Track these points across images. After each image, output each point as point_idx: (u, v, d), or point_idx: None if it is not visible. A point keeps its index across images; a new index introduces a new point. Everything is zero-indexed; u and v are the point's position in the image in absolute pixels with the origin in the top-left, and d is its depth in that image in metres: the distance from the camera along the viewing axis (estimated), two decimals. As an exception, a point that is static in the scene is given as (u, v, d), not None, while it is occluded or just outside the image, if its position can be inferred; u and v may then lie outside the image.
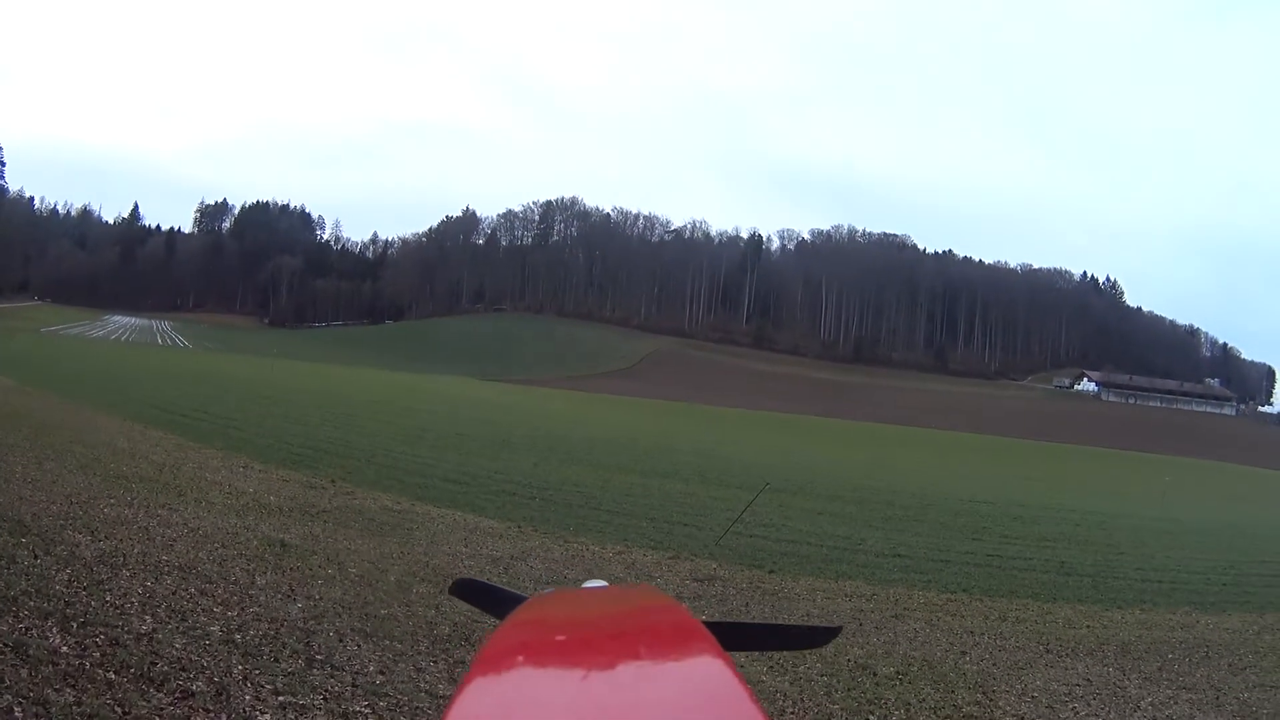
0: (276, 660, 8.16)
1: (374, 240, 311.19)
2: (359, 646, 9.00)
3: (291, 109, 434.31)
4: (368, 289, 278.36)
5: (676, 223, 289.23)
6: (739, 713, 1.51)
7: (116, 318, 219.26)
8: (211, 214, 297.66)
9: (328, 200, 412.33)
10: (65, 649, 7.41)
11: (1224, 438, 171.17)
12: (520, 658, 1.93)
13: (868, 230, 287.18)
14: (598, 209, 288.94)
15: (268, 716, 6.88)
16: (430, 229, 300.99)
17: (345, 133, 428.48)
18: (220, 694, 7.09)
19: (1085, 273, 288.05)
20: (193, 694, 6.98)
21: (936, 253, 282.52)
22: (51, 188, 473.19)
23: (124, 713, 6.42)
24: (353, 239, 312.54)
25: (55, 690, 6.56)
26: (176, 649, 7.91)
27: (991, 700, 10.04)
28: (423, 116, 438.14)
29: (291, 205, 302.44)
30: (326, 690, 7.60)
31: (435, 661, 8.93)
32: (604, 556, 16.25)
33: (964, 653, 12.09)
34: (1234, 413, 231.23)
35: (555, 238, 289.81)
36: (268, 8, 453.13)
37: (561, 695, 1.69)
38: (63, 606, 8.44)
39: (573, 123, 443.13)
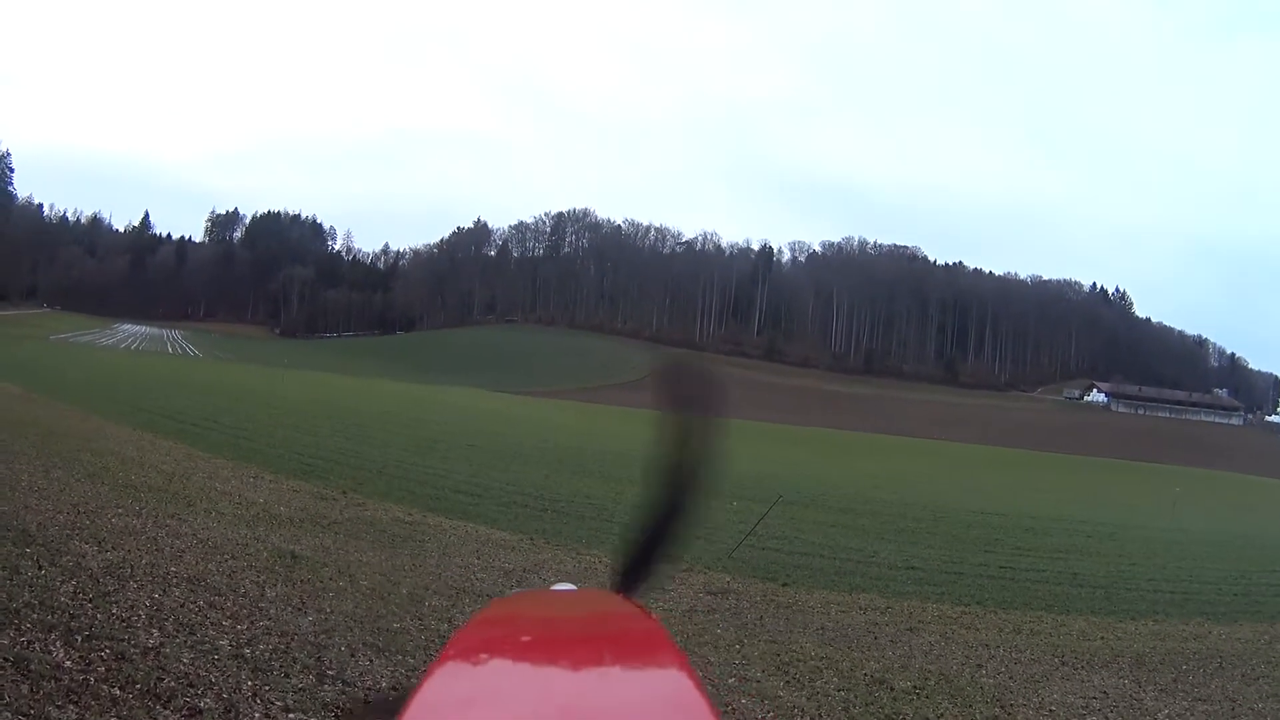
0: (287, 675, 7.99)
1: (385, 251, 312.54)
2: (371, 661, 8.84)
3: (304, 118, 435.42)
4: (379, 300, 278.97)
5: (687, 234, 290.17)
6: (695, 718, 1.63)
7: (126, 326, 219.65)
8: (223, 223, 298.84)
9: (339, 210, 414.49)
10: (69, 664, 7.23)
11: (1232, 448, 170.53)
12: (483, 656, 1.98)
13: (878, 242, 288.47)
14: (609, 221, 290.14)
15: (278, 734, 6.69)
16: (441, 240, 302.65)
17: (357, 142, 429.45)
18: (229, 711, 6.93)
19: (1095, 284, 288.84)
20: (201, 711, 6.82)
21: (946, 264, 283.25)
22: (61, 195, 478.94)
23: (129, 730, 6.23)
24: (364, 249, 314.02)
25: (58, 707, 6.38)
26: (184, 664, 7.74)
27: (1009, 715, 9.93)
28: (434, 126, 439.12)
29: (303, 215, 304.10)
30: (338, 707, 7.42)
31: (449, 677, 8.65)
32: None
33: (980, 666, 11.98)
34: (1241, 422, 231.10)
35: (566, 249, 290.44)
36: (279, 16, 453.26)
37: (522, 695, 1.78)
38: (67, 619, 8.24)
39: (584, 134, 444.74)
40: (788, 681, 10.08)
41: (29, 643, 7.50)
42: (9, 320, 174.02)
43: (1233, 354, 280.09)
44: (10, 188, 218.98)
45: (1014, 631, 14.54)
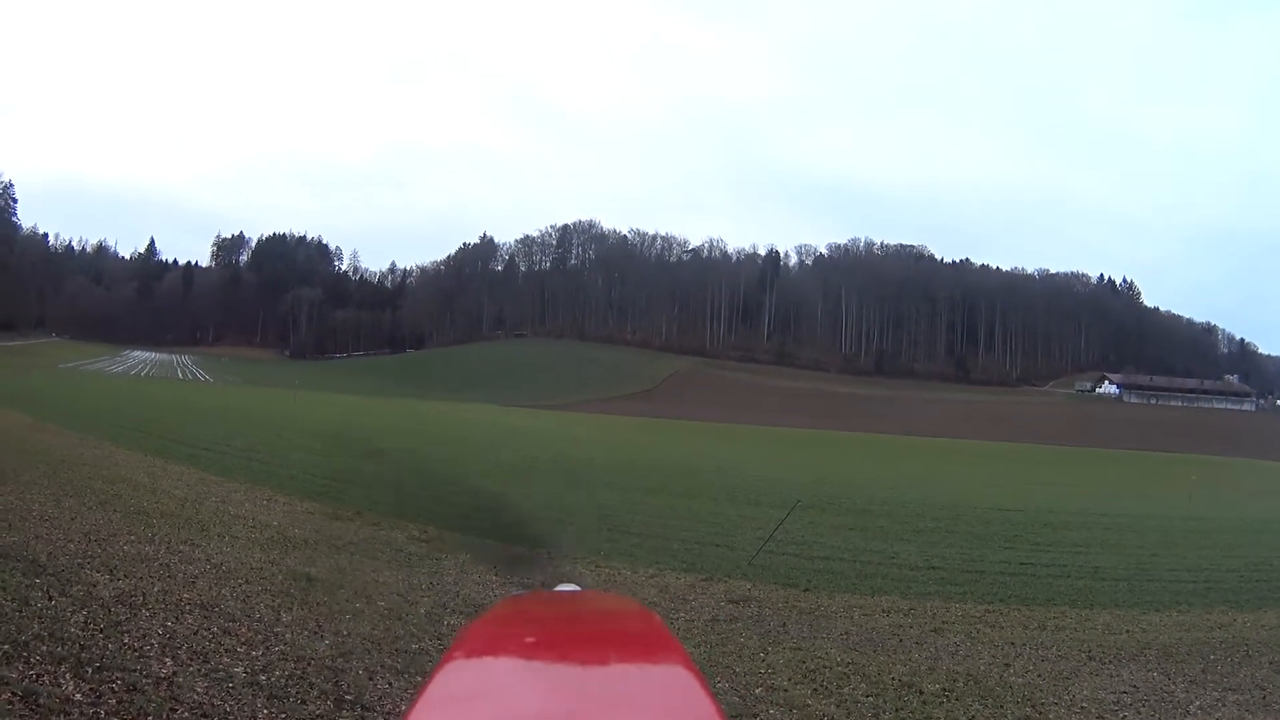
0: (303, 702, 7.83)
1: (392, 269, 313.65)
2: (390, 684, 8.66)
3: (307, 140, 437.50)
4: (387, 318, 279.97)
5: (694, 242, 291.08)
6: (700, 718, 1.71)
7: (135, 353, 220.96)
8: (229, 247, 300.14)
9: (345, 230, 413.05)
10: (79, 696, 7.07)
11: (1246, 433, 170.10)
12: (489, 654, 2.12)
13: (884, 242, 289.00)
14: (615, 231, 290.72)
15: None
16: (448, 257, 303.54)
17: (360, 162, 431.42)
18: (245, 741, 6.73)
19: (1102, 275, 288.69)
20: (216, 742, 6.62)
21: (954, 262, 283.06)
22: (66, 224, 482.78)
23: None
24: (371, 269, 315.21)
25: (67, 742, 6.20)
26: (198, 693, 7.58)
27: (1041, 714, 9.75)
28: (437, 143, 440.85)
29: (309, 236, 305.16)
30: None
31: (471, 698, 8.48)
32: (636, 581, 15.91)
33: (1007, 665, 11.80)
34: (1254, 408, 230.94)
35: (573, 262, 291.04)
36: (279, 38, 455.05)
37: (527, 692, 1.87)
38: (77, 651, 8.07)
39: (587, 146, 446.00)
40: (815, 689, 9.92)
41: (38, 676, 7.34)
42: (18, 350, 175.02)
43: (1242, 340, 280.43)
44: (14, 218, 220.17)
45: (1039, 628, 14.38)
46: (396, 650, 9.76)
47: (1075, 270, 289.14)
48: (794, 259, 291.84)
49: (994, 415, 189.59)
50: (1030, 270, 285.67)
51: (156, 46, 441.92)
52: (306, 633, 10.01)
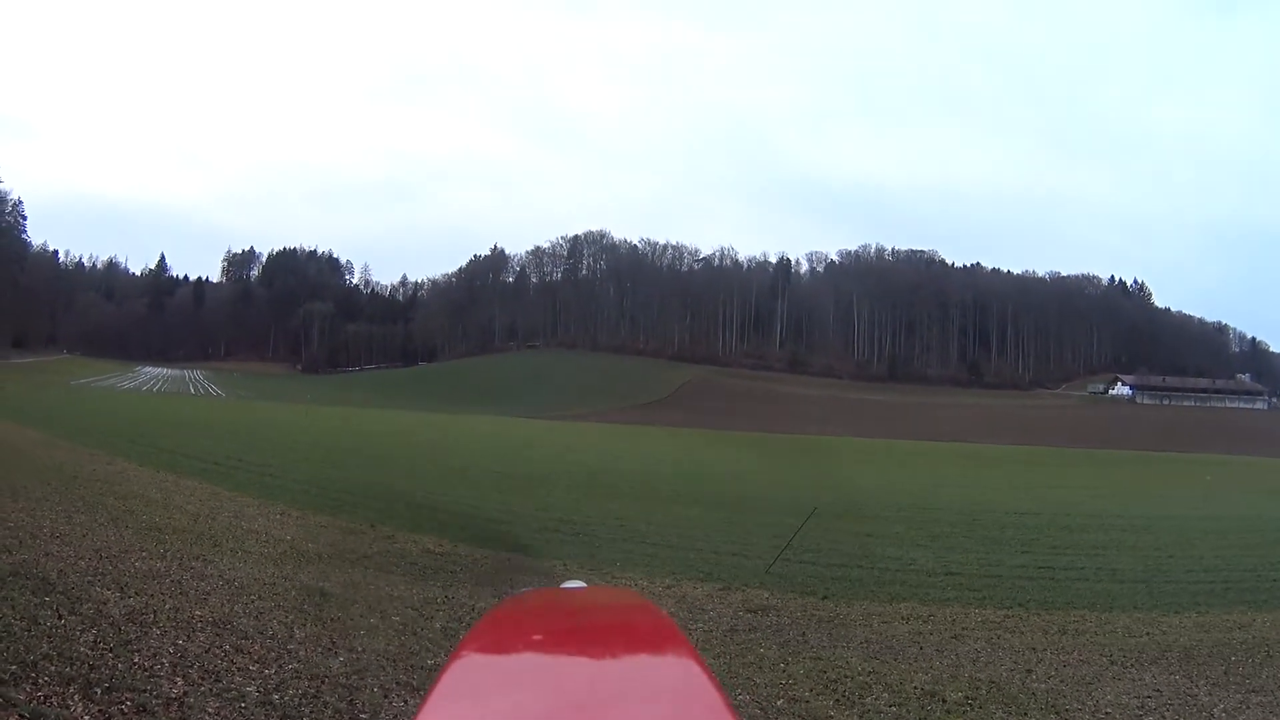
0: (318, 722, 7.65)
1: (403, 282, 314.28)
2: (405, 702, 8.52)
3: (316, 154, 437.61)
4: (399, 331, 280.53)
5: (705, 251, 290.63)
6: (712, 713, 1.72)
7: (147, 369, 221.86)
8: (239, 262, 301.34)
9: (356, 244, 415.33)
10: (87, 718, 6.94)
11: (1259, 432, 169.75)
12: (498, 651, 2.16)
13: (895, 248, 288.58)
14: (625, 241, 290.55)
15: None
16: (460, 269, 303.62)
17: (370, 176, 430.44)
18: (257, 762, 6.60)
19: (1113, 277, 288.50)
20: (227, 764, 6.49)
21: (965, 266, 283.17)
22: (76, 241, 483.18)
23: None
24: (382, 282, 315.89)
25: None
26: (209, 714, 7.47)
27: (1066, 720, 9.53)
28: (446, 156, 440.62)
29: (319, 250, 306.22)
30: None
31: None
32: (654, 591, 15.79)
33: (1029, 671, 11.67)
34: (1266, 406, 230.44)
35: (584, 272, 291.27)
36: (287, 53, 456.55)
37: (536, 687, 1.87)
38: (86, 671, 7.96)
39: (596, 155, 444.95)
40: (837, 700, 9.78)
41: (45, 697, 7.24)
42: (30, 367, 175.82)
43: (1254, 338, 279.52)
44: (24, 236, 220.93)
45: (1059, 633, 14.27)
46: (412, 667, 9.64)
47: (1086, 272, 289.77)
48: (805, 266, 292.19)
49: (1007, 418, 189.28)
50: (1041, 273, 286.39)
51: (163, 62, 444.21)
52: (320, 650, 9.89)
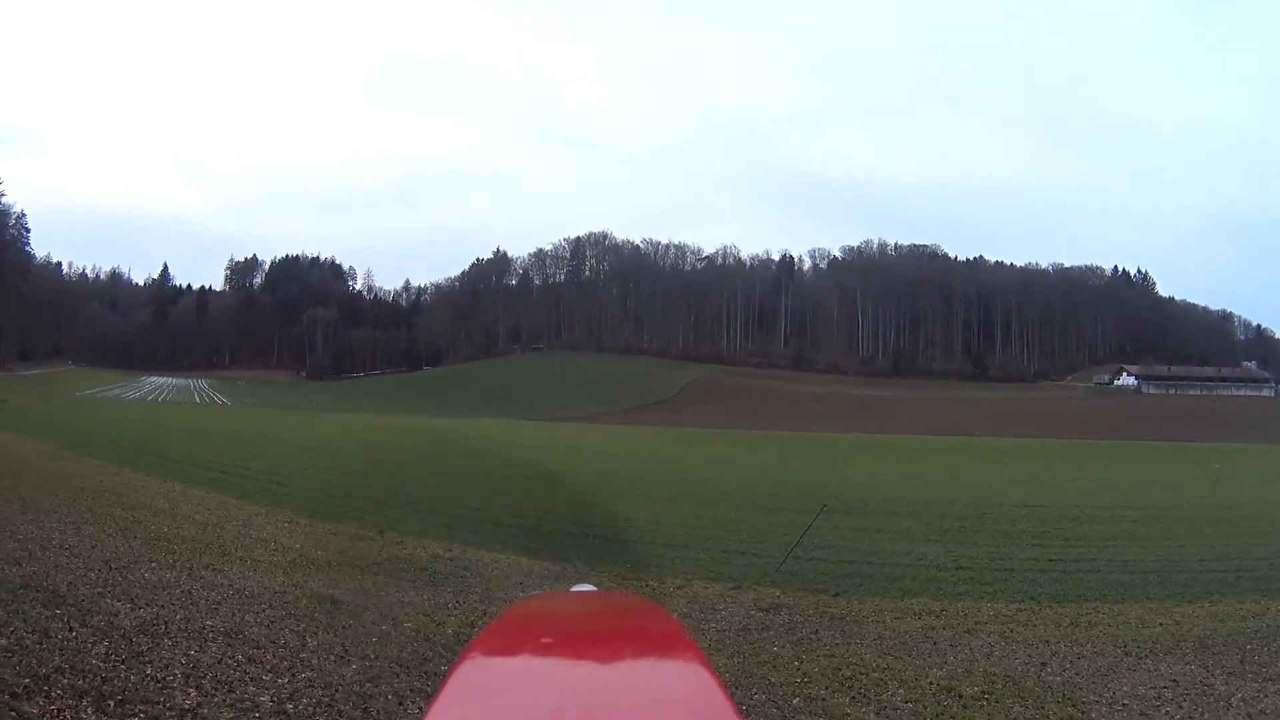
0: (332, 731, 7.62)
1: (407, 287, 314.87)
2: (420, 708, 8.31)
3: (317, 160, 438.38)
4: (404, 336, 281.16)
5: (707, 250, 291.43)
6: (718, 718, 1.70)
7: (152, 378, 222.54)
8: (242, 270, 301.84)
9: (358, 250, 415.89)
10: (101, 732, 6.88)
11: (1266, 419, 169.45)
12: (505, 655, 2.16)
13: (898, 243, 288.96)
14: (628, 241, 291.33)
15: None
16: (462, 273, 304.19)
17: (372, 182, 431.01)
18: (273, 773, 6.57)
19: (1116, 267, 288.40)
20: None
21: (968, 259, 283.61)
22: (80, 252, 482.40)
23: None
24: (385, 287, 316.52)
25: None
26: (223, 725, 7.37)
27: (1083, 713, 9.60)
28: (447, 160, 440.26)
29: (322, 257, 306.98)
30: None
31: (503, 719, 8.30)
32: (664, 592, 15.75)
33: (1044, 664, 11.63)
34: (1273, 393, 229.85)
35: (587, 273, 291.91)
36: (285, 61, 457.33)
37: (544, 692, 1.86)
38: (99, 683, 7.91)
39: (597, 157, 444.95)
40: (853, 697, 9.75)
41: (58, 710, 7.20)
42: (36, 379, 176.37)
43: (1259, 325, 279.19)
44: (28, 248, 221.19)
45: (1072, 625, 14.23)
46: (426, 673, 9.60)
47: (1089, 263, 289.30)
48: (808, 263, 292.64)
49: (1013, 411, 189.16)
50: (1044, 265, 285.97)
51: (162, 71, 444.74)
52: (333, 658, 9.86)
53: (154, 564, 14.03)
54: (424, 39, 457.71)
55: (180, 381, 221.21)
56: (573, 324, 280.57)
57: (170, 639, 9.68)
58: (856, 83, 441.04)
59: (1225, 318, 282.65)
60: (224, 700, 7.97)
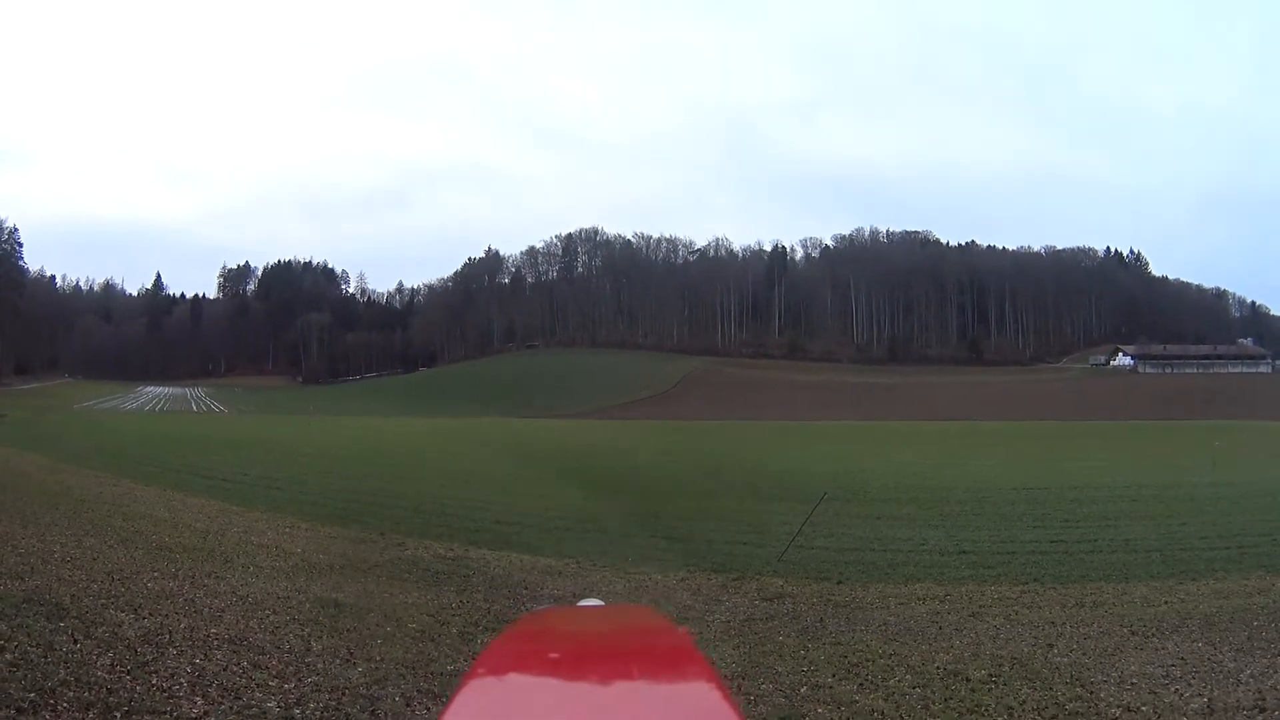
0: (341, 734, 7.61)
1: (400, 289, 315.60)
2: (428, 709, 8.45)
3: (306, 165, 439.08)
4: (398, 338, 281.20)
5: (699, 243, 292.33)
6: None
7: (149, 388, 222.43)
8: (235, 277, 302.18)
9: (350, 253, 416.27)
10: (109, 743, 6.86)
11: (1263, 396, 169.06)
12: (512, 674, 2.07)
13: (890, 229, 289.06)
14: (619, 236, 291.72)
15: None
16: (455, 272, 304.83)
17: (362, 185, 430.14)
18: (282, 779, 6.56)
19: (1109, 248, 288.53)
20: (252, 782, 6.44)
21: (960, 245, 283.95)
22: (72, 265, 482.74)
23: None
24: (378, 290, 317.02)
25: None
26: (231, 732, 7.36)
27: (1092, 693, 9.52)
28: (437, 160, 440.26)
29: (314, 262, 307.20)
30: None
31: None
32: (668, 585, 15.80)
33: (1050, 645, 11.62)
34: (1269, 369, 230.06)
35: (580, 269, 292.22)
36: (271, 69, 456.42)
37: (551, 708, 1.84)
38: (105, 695, 7.88)
39: (586, 153, 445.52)
40: (861, 684, 9.72)
41: (66, 724, 7.14)
42: (32, 393, 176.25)
43: (1253, 302, 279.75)
44: (21, 262, 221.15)
45: (1077, 605, 14.27)
46: (431, 674, 9.57)
47: (1082, 245, 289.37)
48: (800, 253, 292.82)
49: (1010, 395, 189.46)
50: (1037, 248, 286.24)
51: (148, 80, 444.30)
52: (338, 661, 9.83)
53: (156, 573, 13.98)
54: (408, 40, 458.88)
55: (177, 390, 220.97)
56: (567, 321, 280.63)
57: (175, 648, 9.64)
58: (843, 70, 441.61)
59: (1219, 295, 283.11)
60: (231, 708, 7.95)
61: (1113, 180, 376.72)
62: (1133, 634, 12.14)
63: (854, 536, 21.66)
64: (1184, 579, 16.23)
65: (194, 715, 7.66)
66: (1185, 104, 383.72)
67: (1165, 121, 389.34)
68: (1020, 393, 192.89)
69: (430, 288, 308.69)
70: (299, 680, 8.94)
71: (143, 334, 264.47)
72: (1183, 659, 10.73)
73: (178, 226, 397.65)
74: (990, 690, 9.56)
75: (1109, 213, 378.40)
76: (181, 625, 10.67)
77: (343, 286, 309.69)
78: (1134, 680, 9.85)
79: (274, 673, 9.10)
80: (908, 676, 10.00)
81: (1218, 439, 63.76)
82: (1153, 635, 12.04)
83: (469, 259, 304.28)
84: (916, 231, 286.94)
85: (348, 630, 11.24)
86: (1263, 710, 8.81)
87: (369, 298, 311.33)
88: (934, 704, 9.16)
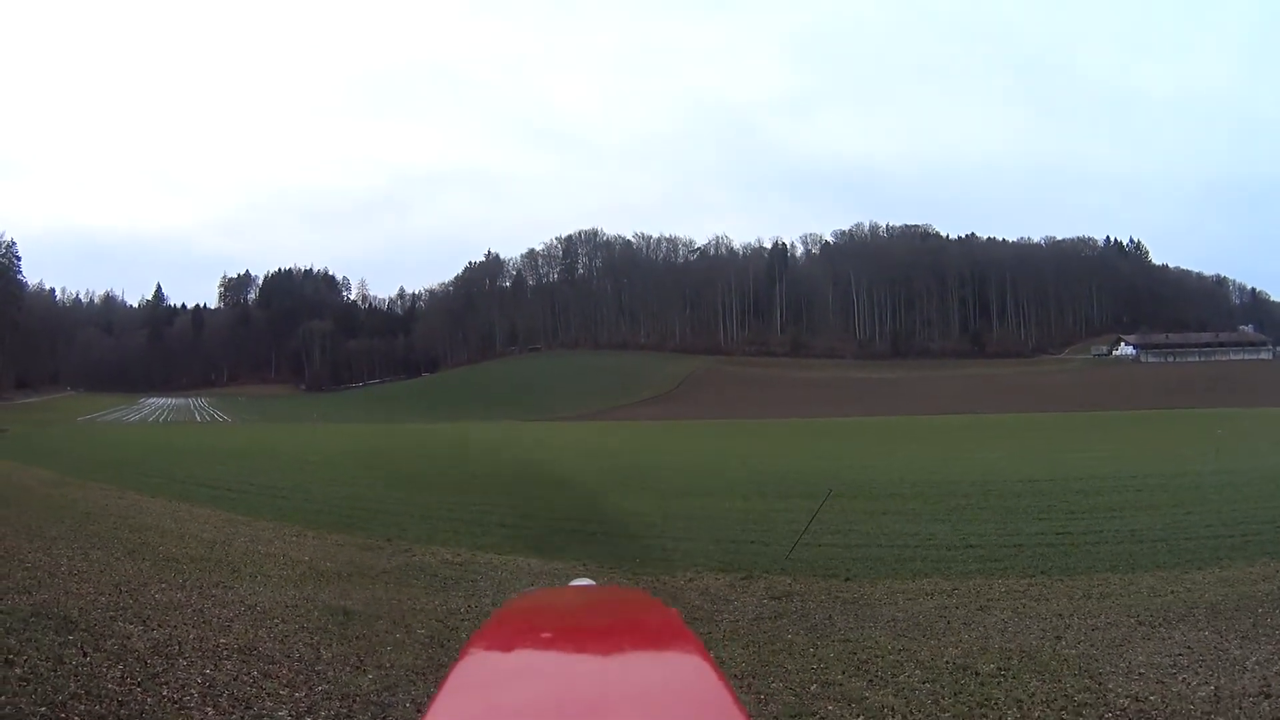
0: (352, 742, 7.60)
1: (401, 295, 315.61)
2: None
3: (305, 173, 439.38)
4: (400, 344, 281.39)
5: (699, 242, 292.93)
6: (720, 711, 1.69)
7: (151, 400, 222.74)
8: (236, 286, 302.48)
9: (351, 260, 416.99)
10: (121, 756, 6.86)
11: (1265, 383, 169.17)
12: (505, 650, 2.17)
13: (889, 224, 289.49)
14: (619, 237, 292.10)
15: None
16: (456, 277, 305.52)
17: (362, 192, 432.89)
18: (295, 788, 6.55)
19: (1109, 237, 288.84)
20: (265, 792, 6.44)
21: (960, 237, 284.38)
22: (72, 277, 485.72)
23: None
24: (379, 296, 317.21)
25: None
26: (243, 742, 7.35)
27: (1101, 684, 9.51)
28: (435, 165, 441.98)
29: (315, 269, 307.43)
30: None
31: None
32: (676, 585, 15.73)
33: (1059, 637, 11.58)
34: (1271, 356, 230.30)
35: (581, 271, 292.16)
36: (265, 74, 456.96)
37: (544, 686, 1.87)
38: (116, 708, 7.90)
39: (585, 155, 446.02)
40: (870, 680, 9.72)
41: (78, 738, 7.14)
42: (35, 406, 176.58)
43: (1253, 289, 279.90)
44: (20, 276, 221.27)
45: (1084, 597, 14.20)
46: (441, 679, 9.50)
47: (1082, 235, 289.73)
48: (801, 249, 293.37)
49: (1013, 387, 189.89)
50: (1037, 239, 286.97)
51: (145, 90, 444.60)
52: (348, 669, 9.83)
53: (164, 585, 13.97)
54: (403, 45, 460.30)
55: (180, 401, 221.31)
56: (569, 322, 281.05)
57: (185, 659, 9.64)
58: (839, 65, 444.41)
59: (1220, 283, 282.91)
60: (242, 717, 7.96)
61: (1111, 169, 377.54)
62: (1140, 624, 12.11)
63: (861, 532, 21.58)
64: (1190, 568, 16.18)
65: (205, 726, 7.66)
66: (1183, 91, 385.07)
67: (1163, 109, 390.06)
68: (1023, 384, 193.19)
69: (431, 292, 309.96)
70: (309, 688, 8.94)
71: (144, 345, 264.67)
72: (1189, 648, 10.72)
73: (177, 237, 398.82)
74: (999, 683, 9.55)
75: (1108, 202, 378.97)
76: (191, 636, 10.67)
77: (344, 293, 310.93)
78: (1142, 670, 9.85)
79: (284, 681, 9.10)
80: (917, 672, 9.99)
81: (1220, 427, 63.75)
82: (1160, 625, 12.02)
83: (470, 263, 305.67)
84: (916, 225, 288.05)
85: (357, 637, 11.23)
86: (1268, 697, 8.81)
87: (370, 304, 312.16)
88: (944, 699, 9.14)
